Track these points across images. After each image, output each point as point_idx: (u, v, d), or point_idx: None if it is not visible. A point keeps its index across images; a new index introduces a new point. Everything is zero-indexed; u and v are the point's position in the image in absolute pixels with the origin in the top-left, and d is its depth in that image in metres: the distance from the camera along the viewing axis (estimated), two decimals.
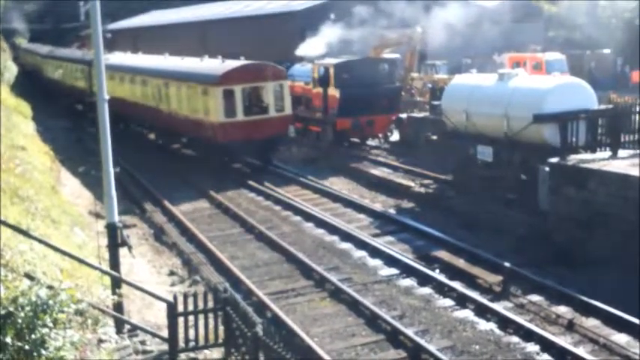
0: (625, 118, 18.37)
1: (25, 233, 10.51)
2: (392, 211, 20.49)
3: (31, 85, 56.37)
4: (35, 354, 6.33)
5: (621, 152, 17.46)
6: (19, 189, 16.07)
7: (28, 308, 6.55)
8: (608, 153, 17.57)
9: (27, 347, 6.35)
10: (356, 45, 33.72)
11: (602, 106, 19.42)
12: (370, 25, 33.63)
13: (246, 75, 25.85)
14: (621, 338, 11.92)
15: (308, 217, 19.99)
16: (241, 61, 27.32)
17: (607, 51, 47.07)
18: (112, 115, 34.78)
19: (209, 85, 25.67)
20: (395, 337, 12.24)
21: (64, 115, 42.97)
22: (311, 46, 34.20)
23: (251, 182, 24.00)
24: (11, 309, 6.48)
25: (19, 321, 6.47)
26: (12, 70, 58.66)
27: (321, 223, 19.25)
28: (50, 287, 7.02)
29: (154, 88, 30.56)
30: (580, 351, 11.38)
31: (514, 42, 46.83)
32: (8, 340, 6.33)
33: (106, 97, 11.96)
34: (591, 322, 12.55)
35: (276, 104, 26.23)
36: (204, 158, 27.05)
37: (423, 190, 22.29)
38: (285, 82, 26.79)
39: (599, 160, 16.71)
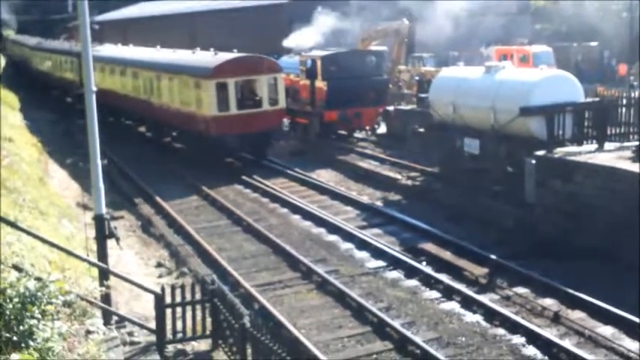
0: (611, 111, 18.51)
1: (13, 225, 10.49)
2: (379, 203, 20.57)
3: (18, 76, 55.97)
4: (23, 345, 6.34)
5: (607, 145, 17.59)
6: (7, 180, 16.01)
7: (16, 300, 6.56)
8: (594, 146, 17.70)
9: (15, 338, 6.37)
10: (344, 37, 33.72)
11: (589, 99, 19.54)
12: (358, 17, 33.64)
13: (239, 68, 25.52)
14: (607, 330, 12.02)
15: (295, 209, 20.03)
16: (235, 54, 26.93)
17: (594, 44, 47.28)
18: (103, 108, 34.99)
19: (202, 77, 25.34)
20: (381, 329, 12.31)
21: (52, 107, 42.66)
22: (299, 38, 34.14)
23: (238, 175, 23.98)
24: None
25: (7, 312, 6.48)
26: None
27: (308, 216, 19.30)
28: (38, 279, 7.03)
29: (146, 81, 30.13)
30: (566, 343, 11.48)
31: (501, 34, 47.01)
32: None
33: (94, 88, 11.93)
34: (577, 315, 12.64)
35: (270, 98, 25.92)
36: (195, 152, 26.65)
37: (410, 182, 22.37)
38: (279, 75, 26.45)
39: (586, 153, 16.83)
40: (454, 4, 32.38)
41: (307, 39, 33.41)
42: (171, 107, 27.85)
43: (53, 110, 41.80)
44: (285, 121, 26.77)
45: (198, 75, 25.66)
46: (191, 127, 26.43)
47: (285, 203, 20.69)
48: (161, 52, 32.16)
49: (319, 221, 18.71)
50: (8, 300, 6.54)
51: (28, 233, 10.66)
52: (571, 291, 13.23)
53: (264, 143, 26.09)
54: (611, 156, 16.26)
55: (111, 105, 33.27)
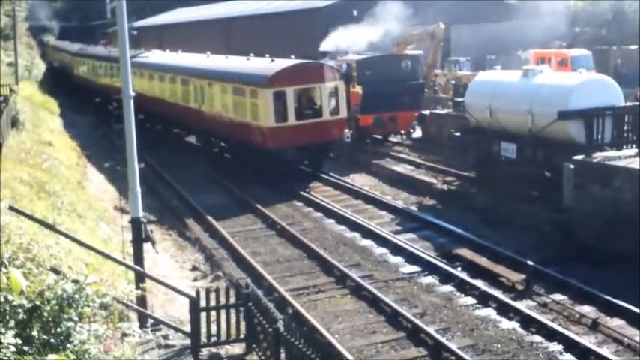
0: None
1: (52, 227, 10.66)
2: (414, 208, 20.46)
3: (58, 82, 56.54)
4: (61, 347, 6.42)
5: None
6: (46, 184, 16.32)
7: (54, 302, 6.65)
8: (634, 150, 17.38)
9: (53, 340, 6.45)
10: (380, 41, 33.61)
11: (629, 103, 19.21)
12: (394, 22, 33.52)
13: (298, 75, 24.02)
14: None
15: (329, 213, 20.02)
16: (293, 60, 25.55)
17: (634, 47, 46.47)
18: (151, 116, 34.93)
19: (258, 86, 23.67)
20: (416, 335, 12.24)
21: (92, 111, 42.92)
22: (335, 42, 34.12)
23: (275, 180, 23.87)
24: (38, 302, 6.58)
25: (45, 314, 6.57)
26: (40, 68, 59.44)
27: (342, 220, 19.27)
28: (76, 281, 7.11)
29: (196, 89, 28.59)
30: (604, 351, 11.30)
31: (539, 37, 46.46)
32: (34, 333, 6.43)
33: (132, 93, 12.06)
34: (615, 322, 12.44)
35: (331, 107, 24.40)
36: (249, 165, 24.89)
37: (445, 187, 22.22)
38: (340, 82, 24.79)
39: (625, 158, 16.55)
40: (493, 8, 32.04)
41: (344, 42, 33.37)
42: (223, 117, 26.31)
43: (93, 115, 42.31)
44: (347, 131, 25.03)
45: (254, 83, 24.05)
46: (245, 139, 24.76)
47: (319, 207, 20.69)
48: (212, 58, 30.78)
49: (353, 225, 18.67)
50: (46, 302, 6.63)
51: (66, 236, 10.82)
52: (609, 298, 13.01)
53: (323, 155, 24.81)
54: None
55: (159, 113, 32.82)
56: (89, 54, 48.23)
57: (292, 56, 25.94)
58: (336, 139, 24.47)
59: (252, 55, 28.25)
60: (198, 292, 11.08)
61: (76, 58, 51.50)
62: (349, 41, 33.20)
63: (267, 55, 26.94)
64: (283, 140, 23.22)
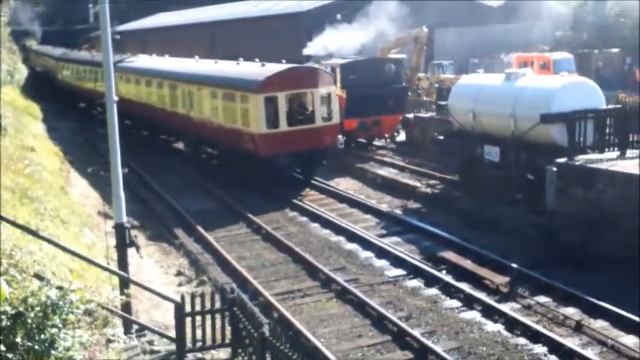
0: (633, 118, 18.32)
1: (35, 233, 10.57)
2: (398, 211, 20.51)
3: (42, 86, 56.05)
4: (45, 354, 6.38)
5: (629, 152, 17.42)
6: (29, 189, 16.17)
7: (37, 308, 6.60)
8: (616, 153, 17.54)
9: (37, 347, 6.41)
10: (364, 44, 33.71)
11: (610, 106, 19.38)
12: (379, 25, 33.64)
13: (290, 80, 23.32)
14: (630, 340, 11.87)
15: (314, 217, 20.02)
16: (284, 65, 24.69)
17: (615, 50, 46.93)
18: (138, 122, 34.31)
19: (249, 91, 23.01)
20: (401, 338, 12.25)
21: (76, 118, 42.64)
22: (318, 46, 34.17)
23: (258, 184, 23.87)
24: (21, 309, 6.53)
25: (29, 321, 6.52)
26: (22, 72, 58.96)
27: (327, 224, 19.28)
28: (60, 288, 7.07)
29: (185, 94, 27.94)
30: (588, 353, 11.36)
31: (521, 41, 46.84)
32: (18, 339, 6.38)
33: (115, 98, 12.03)
34: (599, 324, 12.51)
35: (324, 112, 23.82)
36: (240, 171, 24.49)
37: (429, 190, 22.29)
38: (333, 87, 24.31)
39: (607, 160, 16.69)
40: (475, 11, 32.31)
41: (327, 47, 33.42)
42: (213, 123, 25.62)
43: (76, 120, 42.07)
44: (340, 138, 24.30)
45: (245, 88, 23.34)
46: (236, 145, 24.13)
47: (304, 211, 20.68)
48: (201, 63, 30.33)
49: (338, 229, 18.68)
50: (30, 309, 6.58)
51: (50, 242, 10.74)
52: (593, 300, 13.10)
53: (316, 162, 23.99)
54: (633, 163, 16.10)
55: (146, 119, 32.27)
56: (73, 58, 47.77)
57: (283, 60, 25.52)
58: (329, 145, 23.78)
59: (241, 59, 28.07)
60: (183, 298, 11.03)
61: (59, 63, 51.02)
62: (334, 45, 33.26)
63: (257, 60, 26.49)
64: (275, 147, 22.62)
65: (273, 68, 24.01)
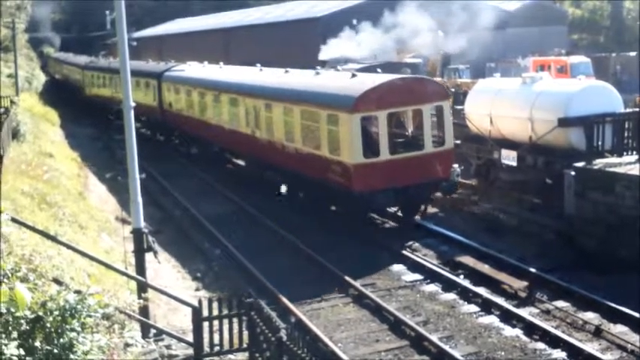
0: None
1: (53, 239, 10.64)
2: (416, 216, 20.40)
3: (63, 96, 55.60)
4: (63, 358, 6.41)
5: None
6: (47, 195, 16.31)
7: (56, 313, 6.63)
8: (634, 157, 17.39)
9: (55, 351, 6.44)
10: (379, 49, 33.72)
11: (629, 110, 19.24)
12: (394, 30, 33.65)
13: (392, 95, 18.31)
14: None
15: None
16: (384, 75, 19.94)
17: (633, 54, 46.61)
18: (192, 140, 32.04)
19: (340, 110, 18.17)
20: (419, 343, 12.21)
21: (93, 124, 42.62)
22: (335, 51, 34.17)
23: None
24: (40, 313, 6.57)
25: (48, 325, 6.56)
26: (40, 79, 59.54)
27: None
28: (78, 292, 7.11)
29: (249, 110, 23.59)
30: (607, 357, 11.28)
31: (538, 45, 46.61)
32: (37, 344, 6.42)
33: (132, 104, 12.09)
34: (619, 329, 12.41)
35: (434, 135, 19.08)
36: (324, 209, 20.17)
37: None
38: (446, 102, 19.22)
39: (626, 164, 16.56)
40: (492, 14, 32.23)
41: (344, 51, 33.41)
42: (286, 147, 20.96)
43: (93, 126, 42.30)
44: (457, 167, 19.04)
45: (333, 106, 18.52)
46: (319, 177, 19.17)
47: None
48: (268, 73, 25.38)
49: None
50: (49, 313, 6.62)
51: (68, 247, 10.80)
52: (612, 304, 12.98)
53: (424, 199, 19.15)
54: None
55: (201, 137, 29.02)
56: (104, 67, 44.63)
57: (378, 70, 21.26)
58: (442, 178, 18.69)
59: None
60: (200, 302, 11.06)
61: (86, 72, 48.36)
62: (350, 49, 33.26)
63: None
64: (375, 181, 17.85)
65: (370, 80, 19.04)
